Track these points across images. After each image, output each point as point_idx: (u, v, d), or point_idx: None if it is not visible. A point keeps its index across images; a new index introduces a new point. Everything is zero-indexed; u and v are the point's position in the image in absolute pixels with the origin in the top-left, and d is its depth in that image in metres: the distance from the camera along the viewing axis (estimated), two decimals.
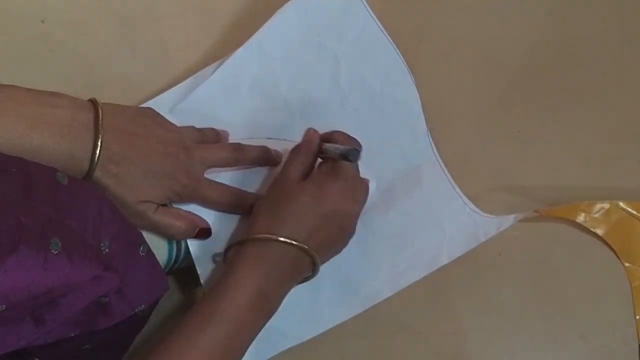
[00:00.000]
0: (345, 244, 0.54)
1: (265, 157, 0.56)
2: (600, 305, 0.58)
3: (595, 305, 0.58)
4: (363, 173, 0.59)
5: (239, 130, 0.57)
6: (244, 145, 0.56)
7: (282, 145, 0.58)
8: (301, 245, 0.48)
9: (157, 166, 0.48)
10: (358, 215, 0.54)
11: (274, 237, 0.48)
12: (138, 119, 0.49)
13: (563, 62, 0.66)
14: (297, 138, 0.57)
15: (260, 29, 0.58)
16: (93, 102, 0.47)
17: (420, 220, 0.58)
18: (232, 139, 0.57)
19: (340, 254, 0.55)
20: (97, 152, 0.44)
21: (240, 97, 0.58)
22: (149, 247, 0.45)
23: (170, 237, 0.51)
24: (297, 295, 0.53)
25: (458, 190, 0.58)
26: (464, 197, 0.58)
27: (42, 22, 0.61)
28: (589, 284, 0.58)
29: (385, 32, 0.59)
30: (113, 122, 0.46)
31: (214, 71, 0.58)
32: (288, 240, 0.48)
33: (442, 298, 0.57)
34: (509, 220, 0.57)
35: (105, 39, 0.62)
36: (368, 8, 0.59)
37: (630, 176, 0.62)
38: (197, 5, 0.64)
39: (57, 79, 0.60)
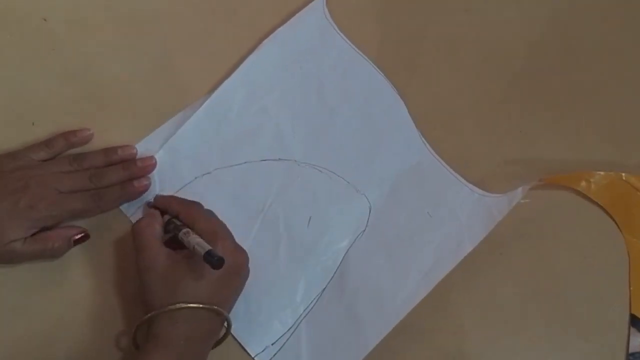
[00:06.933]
0: (243, 285, 0.52)
1: (107, 161, 0.56)
2: (601, 306, 0.58)
3: (596, 306, 0.58)
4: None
5: (233, 156, 0.59)
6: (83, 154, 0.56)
7: (279, 165, 0.59)
8: (209, 306, 0.47)
9: (19, 202, 0.50)
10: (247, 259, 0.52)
11: (179, 305, 0.47)
12: None
13: (564, 61, 0.66)
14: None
15: (244, 62, 0.61)
16: None
17: (433, 215, 0.59)
18: (226, 166, 0.59)
19: (366, 266, 0.56)
20: None
21: (229, 126, 0.60)
22: None
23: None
24: (337, 323, 0.54)
25: (462, 179, 0.60)
26: (470, 185, 0.59)
27: (44, 20, 0.61)
28: (589, 284, 0.58)
29: (359, 51, 0.63)
30: None
31: (202, 104, 0.60)
32: (194, 305, 0.47)
33: (443, 297, 0.57)
34: (518, 193, 0.58)
35: (107, 37, 0.62)
36: (341, 34, 0.63)
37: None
38: (198, 5, 0.64)
39: (58, 77, 0.60)
